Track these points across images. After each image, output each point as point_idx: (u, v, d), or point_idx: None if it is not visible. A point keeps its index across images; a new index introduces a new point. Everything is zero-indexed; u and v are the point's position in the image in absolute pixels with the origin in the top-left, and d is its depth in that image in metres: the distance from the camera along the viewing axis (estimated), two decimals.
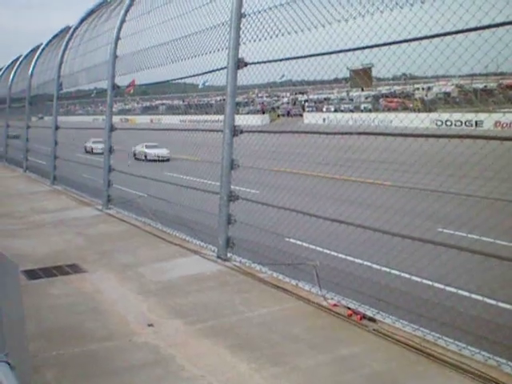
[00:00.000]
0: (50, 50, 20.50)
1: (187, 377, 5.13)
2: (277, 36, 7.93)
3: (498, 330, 6.65)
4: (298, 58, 7.79)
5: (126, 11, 12.90)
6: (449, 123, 28.14)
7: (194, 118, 13.28)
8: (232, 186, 8.77)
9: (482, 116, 22.89)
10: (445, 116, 28.39)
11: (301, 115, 51.18)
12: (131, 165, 16.66)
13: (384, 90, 51.89)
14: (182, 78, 11.25)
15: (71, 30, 17.77)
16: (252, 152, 9.19)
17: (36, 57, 21.63)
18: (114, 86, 13.38)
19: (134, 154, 27.32)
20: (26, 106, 22.42)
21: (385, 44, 6.37)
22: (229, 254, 8.76)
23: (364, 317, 6.29)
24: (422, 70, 6.28)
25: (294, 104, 62.70)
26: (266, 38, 8.10)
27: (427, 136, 6.25)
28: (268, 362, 5.37)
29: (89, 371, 5.29)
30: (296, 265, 7.96)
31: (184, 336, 6.05)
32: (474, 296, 7.10)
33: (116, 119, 15.11)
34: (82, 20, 17.05)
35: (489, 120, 22.61)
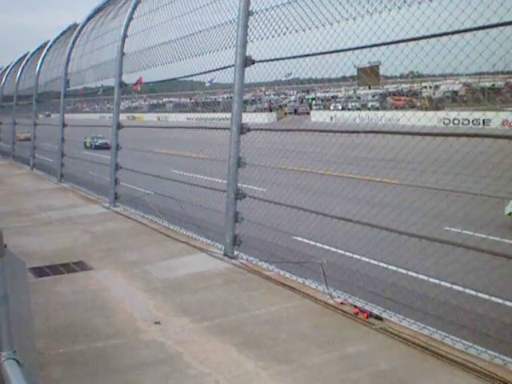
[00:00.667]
0: (57, 48, 20.51)
1: (194, 374, 5.14)
2: (284, 34, 7.91)
3: (505, 328, 6.65)
4: (305, 56, 7.77)
5: (134, 9, 12.90)
6: (456, 122, 28.06)
7: (201, 115, 13.28)
8: (239, 184, 8.77)
9: (489, 115, 22.86)
10: (452, 114, 28.30)
11: (308, 113, 51.09)
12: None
13: (391, 88, 51.72)
14: (189, 76, 11.25)
15: (78, 27, 17.78)
16: (259, 150, 9.19)
17: (43, 54, 21.62)
18: (121, 84, 13.39)
19: None
20: (33, 104, 22.43)
21: (392, 42, 6.35)
22: (236, 252, 8.76)
23: (370, 315, 6.28)
24: (429, 69, 6.27)
25: (302, 102, 62.66)
26: (273, 36, 8.09)
27: (435, 135, 6.25)
28: (274, 360, 5.37)
29: (96, 368, 5.31)
30: (303, 263, 7.96)
31: (191, 334, 6.06)
32: (480, 295, 7.08)
33: (123, 117, 15.13)
34: (89, 17, 17.04)
35: (496, 119, 22.57)
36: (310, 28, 7.51)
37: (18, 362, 3.03)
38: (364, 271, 9.33)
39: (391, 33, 6.25)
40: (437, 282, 7.44)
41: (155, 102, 54.72)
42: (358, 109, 50.90)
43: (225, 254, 8.80)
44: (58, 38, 20.63)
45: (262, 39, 8.32)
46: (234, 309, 6.72)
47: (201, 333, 6.06)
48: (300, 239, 11.14)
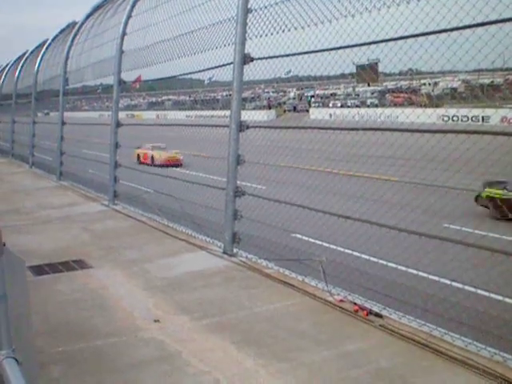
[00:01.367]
0: (55, 46, 20.48)
1: (193, 372, 5.14)
2: (283, 31, 7.90)
3: (505, 325, 6.65)
4: (304, 53, 7.77)
5: (132, 7, 12.87)
6: (455, 118, 28.03)
7: (200, 113, 13.27)
8: (238, 182, 8.77)
9: (488, 111, 22.84)
10: (451, 111, 28.25)
11: (307, 110, 51.06)
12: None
13: (390, 85, 51.65)
14: (188, 74, 11.25)
15: (77, 25, 17.76)
16: (258, 147, 9.17)
17: (42, 52, 21.57)
18: (120, 82, 13.37)
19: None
20: (32, 102, 22.40)
21: (391, 39, 6.34)
22: (235, 250, 8.75)
23: (370, 312, 6.28)
24: (428, 66, 6.26)
25: (301, 99, 62.55)
26: (272, 34, 8.08)
27: (434, 131, 6.24)
28: (274, 358, 5.37)
29: (95, 367, 5.31)
30: (302, 260, 7.95)
31: (190, 332, 6.05)
32: (479, 291, 7.07)
33: (122, 115, 15.10)
34: (88, 15, 17.01)
35: (495, 115, 22.56)
36: (308, 25, 7.50)
37: (17, 360, 3.02)
38: (364, 268, 9.32)
39: (390, 30, 6.24)
40: (436, 278, 7.41)
41: (154, 99, 54.63)
42: (357, 106, 50.81)
43: (224, 252, 8.80)
44: (56, 36, 20.59)
45: (260, 37, 8.31)
46: (234, 307, 6.72)
47: (200, 331, 6.06)
48: (299, 236, 11.13)
